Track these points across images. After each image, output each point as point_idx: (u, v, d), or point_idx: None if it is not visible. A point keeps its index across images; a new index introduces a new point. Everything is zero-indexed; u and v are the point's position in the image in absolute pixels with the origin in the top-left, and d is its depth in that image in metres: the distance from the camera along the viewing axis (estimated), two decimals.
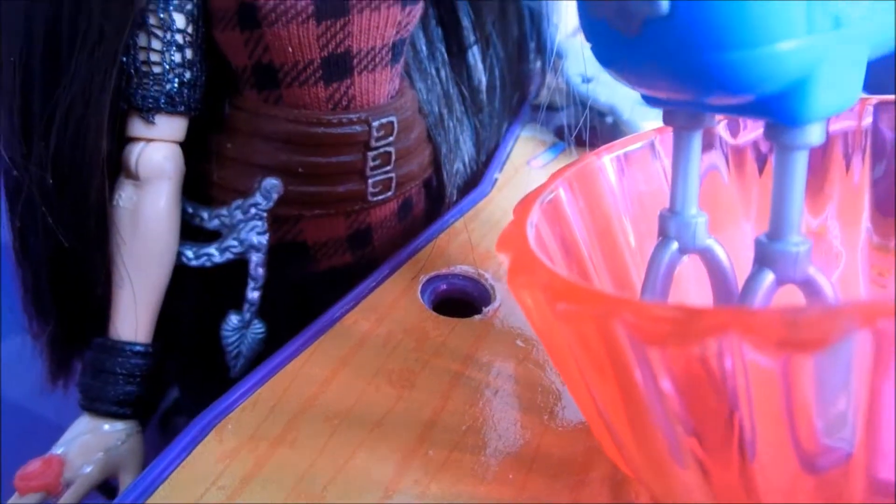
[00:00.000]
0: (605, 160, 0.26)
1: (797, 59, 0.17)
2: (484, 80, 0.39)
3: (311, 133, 0.31)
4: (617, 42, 0.19)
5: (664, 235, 0.23)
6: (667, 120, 0.22)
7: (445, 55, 0.38)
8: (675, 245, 0.23)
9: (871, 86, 0.21)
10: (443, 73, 0.38)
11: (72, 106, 0.28)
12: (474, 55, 0.39)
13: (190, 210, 0.33)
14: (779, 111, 0.19)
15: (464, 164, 0.39)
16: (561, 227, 0.24)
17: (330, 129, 0.31)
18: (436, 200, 0.38)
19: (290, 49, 0.30)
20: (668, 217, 0.23)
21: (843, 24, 0.17)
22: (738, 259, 0.23)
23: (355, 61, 0.31)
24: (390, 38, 0.32)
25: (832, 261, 0.29)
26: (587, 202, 0.25)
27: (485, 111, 0.40)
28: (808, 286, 0.20)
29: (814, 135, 0.19)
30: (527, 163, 0.40)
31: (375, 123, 0.32)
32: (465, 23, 0.38)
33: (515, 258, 0.20)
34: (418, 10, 0.32)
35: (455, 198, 0.38)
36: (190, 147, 0.32)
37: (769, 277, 0.20)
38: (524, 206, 0.23)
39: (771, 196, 0.20)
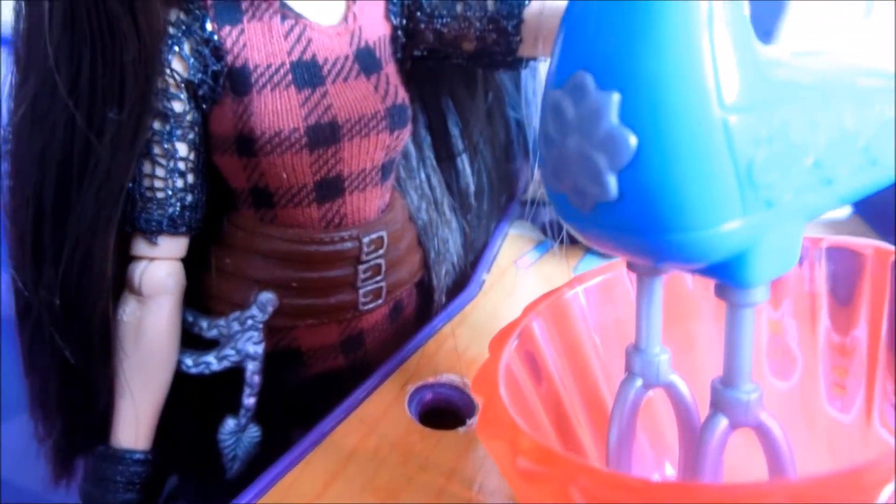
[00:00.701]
0: (578, 291, 0.27)
1: (736, 238, 0.19)
2: (472, 184, 0.41)
3: (305, 251, 0.33)
4: (576, 214, 0.20)
5: (630, 371, 0.24)
6: (630, 266, 0.24)
7: (434, 161, 0.40)
8: (639, 381, 0.24)
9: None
10: (433, 179, 0.40)
11: (80, 235, 0.30)
12: (462, 161, 0.40)
13: (190, 319, 0.34)
14: (726, 275, 0.20)
15: (452, 265, 0.41)
16: (535, 359, 0.25)
17: (322, 247, 0.33)
18: (426, 300, 0.40)
19: (285, 175, 0.32)
20: (633, 354, 0.24)
21: (774, 205, 0.19)
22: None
23: (346, 183, 0.33)
24: (380, 160, 0.34)
25: (789, 365, 0.31)
26: (560, 333, 0.26)
27: (473, 212, 0.42)
28: (760, 430, 0.22)
29: (758, 295, 0.21)
30: (514, 263, 0.42)
31: (366, 239, 0.34)
32: (454, 132, 0.40)
33: (486, 407, 0.21)
34: (406, 132, 0.34)
35: (444, 300, 0.39)
36: (191, 258, 0.33)
37: (723, 422, 0.22)
38: (498, 342, 0.25)
39: (724, 347, 0.22)
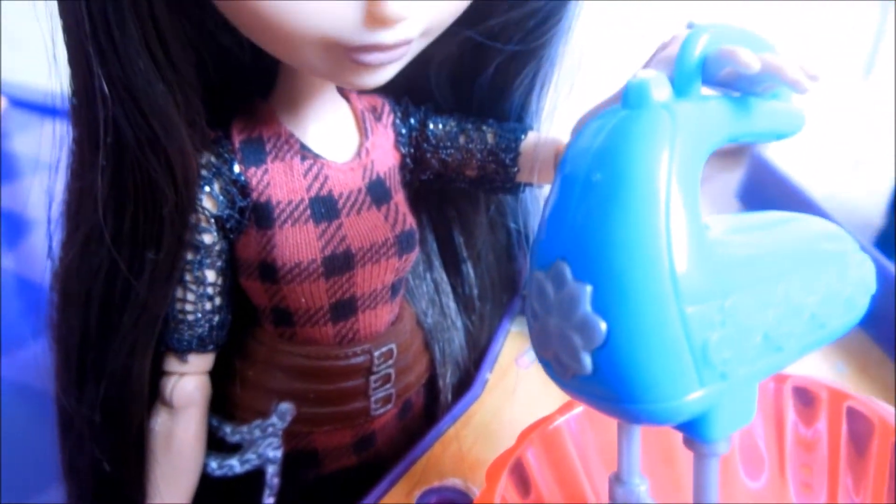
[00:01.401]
0: (569, 418, 0.30)
1: (696, 406, 0.22)
2: (476, 287, 0.44)
3: (320, 366, 0.36)
4: (558, 379, 0.23)
5: (612, 500, 0.27)
6: None
7: (441, 267, 0.43)
8: None
9: None
10: (440, 285, 0.43)
11: (121, 359, 0.33)
12: (467, 267, 0.44)
13: (215, 423, 0.37)
14: (691, 431, 0.23)
15: (457, 364, 0.43)
16: (529, 488, 0.28)
17: (337, 362, 0.36)
18: (433, 397, 0.43)
19: (303, 299, 0.35)
20: (615, 483, 0.27)
21: (729, 376, 0.22)
22: None
23: (359, 303, 0.36)
24: (390, 281, 0.37)
25: (758, 465, 0.33)
26: (552, 461, 0.29)
27: (476, 312, 0.45)
28: None
29: (720, 447, 0.24)
30: (515, 361, 0.45)
31: (377, 353, 0.37)
32: (459, 241, 0.43)
33: None
34: (414, 254, 0.37)
35: (450, 398, 0.42)
36: (217, 369, 0.37)
37: None
38: (494, 472, 0.27)
39: (693, 489, 0.25)
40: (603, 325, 0.21)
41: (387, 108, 0.37)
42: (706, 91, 0.24)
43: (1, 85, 0.78)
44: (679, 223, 0.21)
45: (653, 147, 0.21)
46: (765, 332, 0.22)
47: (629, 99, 0.22)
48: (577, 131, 0.24)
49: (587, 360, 0.22)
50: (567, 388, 0.23)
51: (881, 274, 0.37)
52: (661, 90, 0.22)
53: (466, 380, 0.44)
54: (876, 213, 0.93)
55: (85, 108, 0.28)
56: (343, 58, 0.28)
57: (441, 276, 0.44)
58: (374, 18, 0.27)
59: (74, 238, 0.31)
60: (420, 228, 0.42)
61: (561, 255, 0.22)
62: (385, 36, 0.27)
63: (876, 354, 0.46)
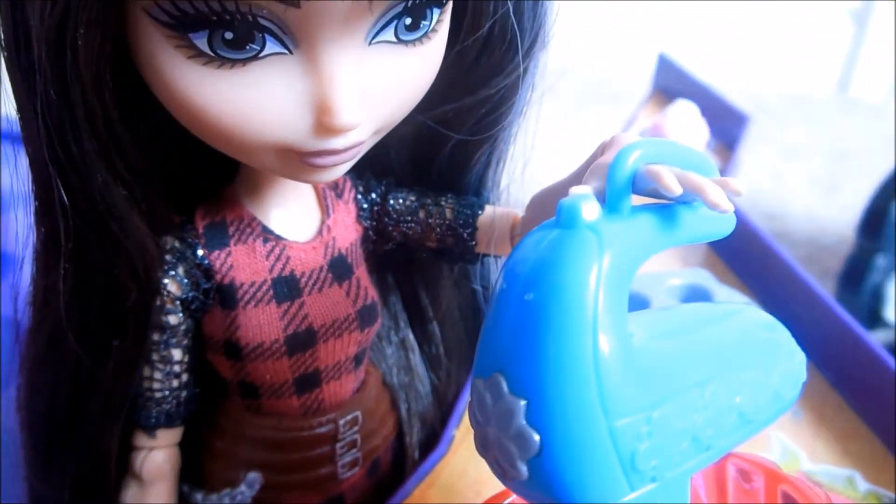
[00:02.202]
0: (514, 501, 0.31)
1: None
2: (442, 346, 0.45)
3: (287, 437, 0.37)
4: (500, 479, 0.25)
5: None
6: None
7: (407, 326, 0.45)
8: None
9: None
10: (406, 342, 0.44)
11: (89, 442, 0.34)
12: (433, 326, 0.45)
13: (185, 489, 0.39)
14: None
15: (424, 421, 0.45)
16: None
17: (302, 433, 0.38)
18: (401, 453, 0.44)
19: (268, 375, 0.36)
20: None
21: (658, 479, 0.23)
22: None
23: (323, 375, 0.37)
24: (353, 352, 0.38)
25: None
26: None
27: (444, 368, 0.46)
28: None
29: None
30: None
31: (342, 421, 0.38)
32: (425, 302, 0.44)
33: None
34: (376, 326, 0.39)
35: (417, 455, 0.43)
36: (187, 440, 0.38)
37: None
38: None
39: None
40: (537, 437, 0.22)
41: (348, 185, 0.38)
42: (639, 199, 0.25)
43: None
44: (606, 342, 0.22)
45: (579, 271, 0.22)
46: (692, 435, 0.24)
47: (561, 219, 0.24)
48: (515, 248, 0.25)
49: (524, 468, 0.23)
50: (508, 487, 0.25)
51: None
52: (590, 210, 0.23)
53: (433, 435, 0.45)
54: (849, 233, 0.95)
55: (47, 215, 0.29)
56: (297, 161, 0.29)
57: (407, 334, 0.45)
58: (325, 128, 0.28)
59: (41, 330, 0.33)
60: (386, 289, 0.44)
61: (498, 368, 0.23)
62: (337, 142, 0.29)
63: (833, 399, 0.48)
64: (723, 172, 0.74)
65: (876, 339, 0.91)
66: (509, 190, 0.39)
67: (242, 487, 0.38)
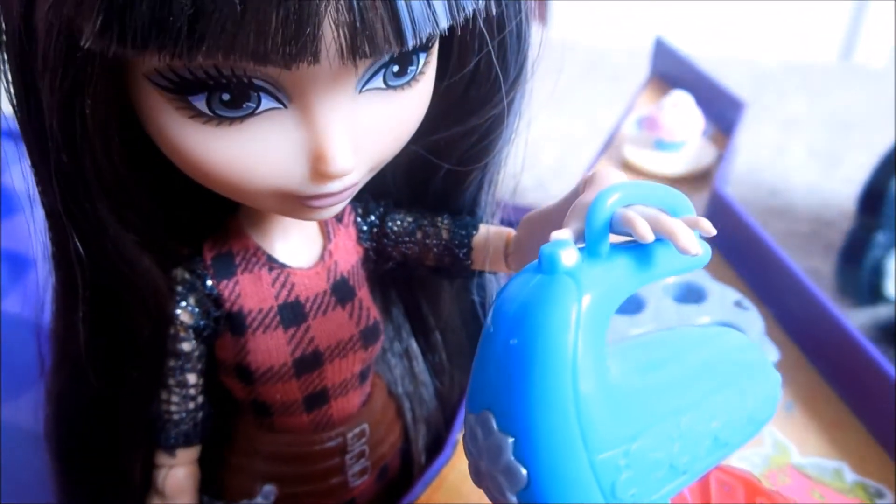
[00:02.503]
0: None
1: None
2: (445, 353, 0.47)
3: (299, 452, 0.40)
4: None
5: None
6: None
7: (410, 335, 0.47)
8: None
9: None
10: (410, 351, 0.46)
11: (113, 465, 0.36)
12: (436, 336, 0.47)
13: (206, 500, 0.41)
14: None
15: (429, 425, 0.47)
16: None
17: (313, 447, 0.40)
18: (409, 458, 0.46)
19: (278, 396, 0.38)
20: None
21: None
22: None
23: (330, 393, 0.39)
24: (358, 370, 0.40)
25: None
26: None
27: (447, 373, 0.48)
28: None
29: None
30: None
31: (350, 435, 0.40)
32: (427, 311, 0.46)
33: None
34: (379, 343, 0.40)
35: (423, 458, 0.46)
36: (206, 456, 0.40)
37: None
38: None
39: None
40: (524, 471, 0.24)
41: (347, 208, 0.40)
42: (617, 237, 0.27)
43: None
44: (585, 382, 0.24)
45: (558, 318, 0.24)
46: (669, 463, 0.26)
47: (542, 264, 0.25)
48: (502, 289, 0.26)
49: (513, 499, 0.25)
50: None
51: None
52: (568, 256, 0.25)
53: (439, 439, 0.47)
54: (851, 207, 0.96)
55: (63, 263, 0.31)
56: (297, 203, 0.31)
57: (411, 343, 0.47)
58: (321, 175, 0.29)
59: (63, 366, 0.35)
60: (389, 302, 0.45)
61: (487, 406, 0.25)
62: (333, 186, 0.30)
63: (824, 391, 0.50)
64: (720, 158, 0.76)
65: (876, 314, 0.93)
66: (502, 209, 0.41)
67: (259, 499, 0.40)
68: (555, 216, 0.33)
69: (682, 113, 0.70)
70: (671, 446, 0.26)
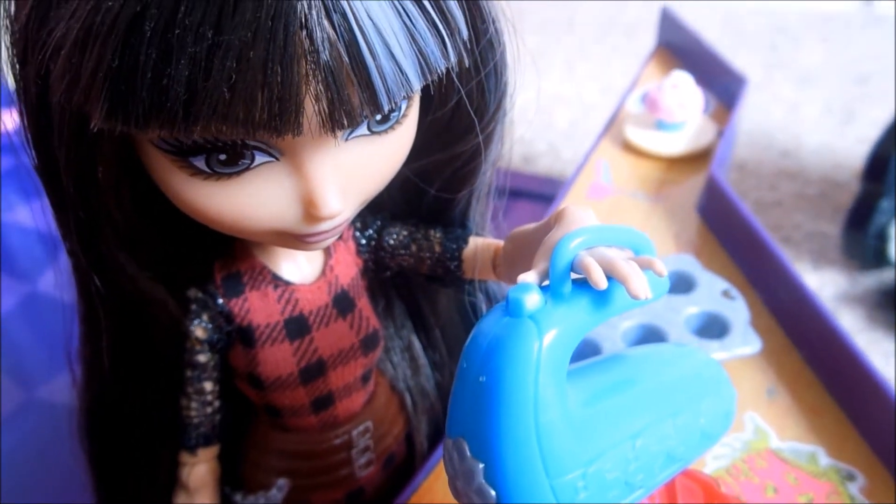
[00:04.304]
0: None
1: None
2: (444, 347, 0.50)
3: (308, 449, 0.44)
4: None
5: None
6: None
7: (412, 330, 0.50)
8: None
9: None
10: (412, 347, 0.50)
11: (142, 466, 0.40)
12: (436, 333, 0.50)
13: (227, 490, 0.45)
14: None
15: (431, 413, 0.50)
16: None
17: (321, 444, 0.44)
18: (413, 445, 0.50)
19: (287, 402, 0.42)
20: None
21: None
22: None
23: (335, 395, 0.43)
24: (360, 374, 0.43)
25: None
26: None
27: (447, 367, 0.51)
28: None
29: None
30: None
31: (355, 432, 0.44)
32: (426, 310, 0.49)
33: None
34: (380, 349, 0.44)
35: (426, 445, 0.49)
36: (226, 451, 0.44)
37: None
38: None
39: None
40: (494, 493, 0.28)
41: (347, 224, 0.43)
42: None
43: None
44: (546, 415, 0.27)
45: (520, 359, 0.27)
46: (624, 481, 0.29)
47: (509, 307, 0.28)
48: (476, 327, 0.29)
49: None
50: None
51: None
52: (531, 300, 0.28)
53: (440, 428, 0.51)
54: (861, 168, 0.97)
55: (85, 298, 0.35)
56: (293, 239, 0.34)
57: (412, 339, 0.50)
58: (313, 218, 0.32)
59: (91, 386, 0.39)
60: (391, 304, 0.49)
61: (461, 433, 0.29)
62: (325, 226, 0.33)
63: (806, 376, 0.52)
64: (721, 133, 0.77)
65: (881, 279, 0.94)
66: (489, 221, 0.44)
67: (274, 491, 0.44)
68: (531, 238, 0.35)
69: (681, 94, 0.71)
70: (627, 466, 0.29)
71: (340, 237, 0.43)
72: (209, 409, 0.42)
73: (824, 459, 0.46)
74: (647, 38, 1.11)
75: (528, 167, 1.18)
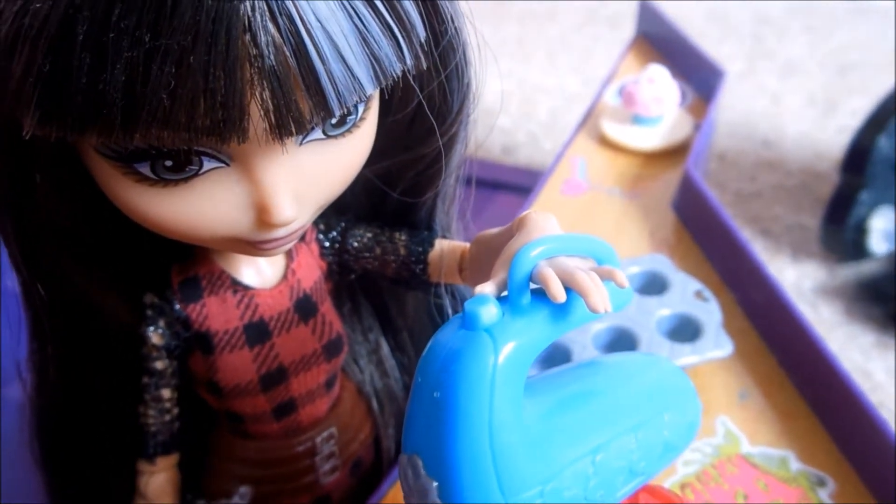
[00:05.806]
0: None
1: None
2: (413, 351, 0.50)
3: (270, 456, 0.43)
4: None
5: None
6: None
7: (380, 332, 0.49)
8: None
9: None
10: (380, 349, 0.49)
11: (99, 474, 0.39)
12: (404, 336, 0.49)
13: (189, 497, 0.44)
14: None
15: (398, 420, 0.49)
16: None
17: (284, 451, 0.43)
18: (381, 451, 0.49)
19: (248, 409, 0.41)
20: None
21: None
22: None
23: (298, 402, 0.42)
24: (324, 379, 0.42)
25: None
26: None
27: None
28: None
29: None
30: None
31: (318, 439, 0.43)
32: (393, 312, 0.48)
33: None
34: (343, 355, 0.43)
35: (393, 453, 0.49)
36: (186, 459, 0.43)
37: None
38: None
39: None
40: None
41: (309, 227, 0.42)
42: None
43: None
44: (501, 432, 0.26)
45: (475, 375, 0.26)
46: (584, 495, 0.28)
47: (465, 320, 0.27)
48: (432, 339, 0.28)
49: None
50: None
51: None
52: (488, 314, 0.27)
53: None
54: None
55: (31, 310, 0.34)
56: (247, 246, 0.33)
57: (380, 341, 0.49)
58: (266, 225, 0.31)
59: (42, 393, 0.37)
60: (358, 306, 0.48)
61: (416, 450, 0.28)
62: (280, 232, 0.32)
63: (778, 378, 0.52)
64: (699, 127, 0.76)
65: (860, 271, 0.94)
66: (457, 223, 0.43)
67: (236, 498, 0.43)
68: (494, 243, 0.34)
69: (658, 88, 0.70)
70: (586, 483, 0.28)
71: (303, 239, 0.42)
72: (167, 417, 0.41)
73: (795, 464, 0.46)
74: (630, 28, 1.10)
75: (508, 158, 1.17)
